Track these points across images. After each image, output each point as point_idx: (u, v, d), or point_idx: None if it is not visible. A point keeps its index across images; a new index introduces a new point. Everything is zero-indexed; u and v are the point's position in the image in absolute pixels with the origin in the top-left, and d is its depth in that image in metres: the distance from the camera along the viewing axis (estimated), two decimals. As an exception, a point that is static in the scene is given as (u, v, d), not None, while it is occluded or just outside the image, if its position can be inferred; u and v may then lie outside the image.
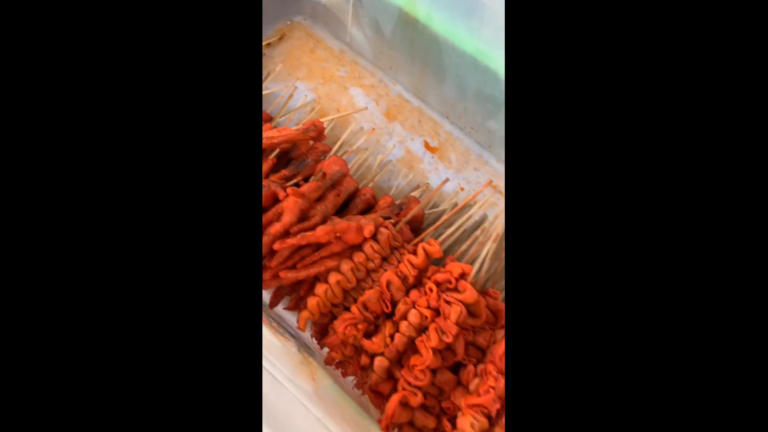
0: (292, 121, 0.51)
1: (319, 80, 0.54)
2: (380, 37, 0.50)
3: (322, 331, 0.37)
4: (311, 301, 0.34)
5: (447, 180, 0.44)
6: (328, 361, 0.34)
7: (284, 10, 0.55)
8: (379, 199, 0.43)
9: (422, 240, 0.38)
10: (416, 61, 0.48)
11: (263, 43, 0.54)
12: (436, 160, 0.51)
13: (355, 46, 0.55)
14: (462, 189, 0.50)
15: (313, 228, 0.37)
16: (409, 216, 0.39)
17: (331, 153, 0.45)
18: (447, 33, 0.42)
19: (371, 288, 0.35)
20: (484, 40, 0.41)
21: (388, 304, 0.33)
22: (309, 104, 0.52)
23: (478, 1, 0.38)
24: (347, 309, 0.36)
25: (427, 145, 0.52)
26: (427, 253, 0.34)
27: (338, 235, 0.35)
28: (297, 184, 0.42)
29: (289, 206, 0.36)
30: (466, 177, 0.50)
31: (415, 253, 0.36)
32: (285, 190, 0.38)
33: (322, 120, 0.45)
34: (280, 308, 0.40)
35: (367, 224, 0.36)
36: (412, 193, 0.47)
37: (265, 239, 0.35)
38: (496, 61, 0.41)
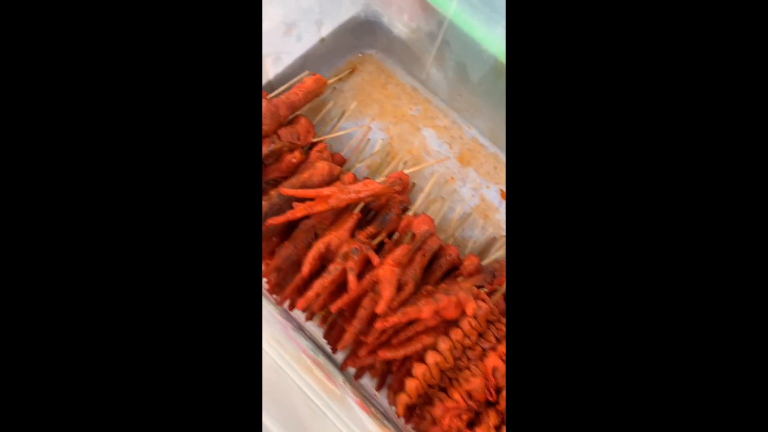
0: (360, 160, 0.48)
1: (390, 119, 0.52)
2: (463, 81, 0.47)
3: (412, 410, 0.35)
4: (410, 384, 0.32)
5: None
6: (424, 447, 0.33)
7: (357, 42, 0.53)
8: (463, 259, 0.41)
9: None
10: (500, 110, 0.46)
11: (335, 77, 0.52)
12: (512, 212, 0.49)
13: (429, 84, 0.52)
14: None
15: (408, 298, 0.35)
16: (504, 287, 0.37)
17: (415, 206, 0.43)
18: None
19: (467, 367, 0.33)
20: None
21: (494, 393, 0.31)
22: (384, 147, 0.49)
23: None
24: (442, 389, 0.34)
25: (503, 194, 0.50)
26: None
27: (438, 311, 0.33)
28: (382, 242, 0.40)
29: (387, 277, 0.34)
30: (545, 232, 0.48)
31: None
32: (376, 255, 0.36)
33: (406, 172, 0.43)
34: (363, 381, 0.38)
35: (468, 301, 0.34)
36: (492, 248, 0.45)
37: (363, 312, 0.33)
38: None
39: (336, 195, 0.38)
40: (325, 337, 0.37)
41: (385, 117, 0.52)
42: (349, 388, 0.32)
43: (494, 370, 0.31)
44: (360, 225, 0.41)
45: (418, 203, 0.43)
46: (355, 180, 0.43)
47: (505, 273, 0.39)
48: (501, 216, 0.49)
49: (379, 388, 0.37)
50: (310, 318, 0.41)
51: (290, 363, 0.23)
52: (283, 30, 0.43)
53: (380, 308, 0.31)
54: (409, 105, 0.53)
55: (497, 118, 0.48)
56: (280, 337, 0.26)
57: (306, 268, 0.34)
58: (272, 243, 0.41)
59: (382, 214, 0.41)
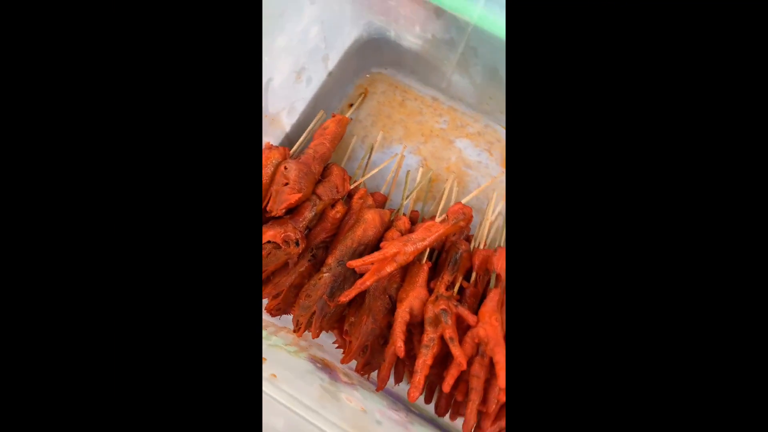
0: (406, 197, 0.45)
1: (419, 138, 0.48)
2: (496, 84, 0.43)
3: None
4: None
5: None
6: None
7: (362, 63, 0.48)
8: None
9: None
10: (544, 107, 0.42)
11: (348, 107, 0.48)
12: (574, 210, 0.46)
13: (451, 91, 0.48)
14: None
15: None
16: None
17: (482, 236, 0.39)
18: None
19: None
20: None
21: None
22: (426, 176, 0.45)
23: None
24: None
25: (558, 193, 0.46)
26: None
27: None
28: (462, 288, 0.37)
29: (494, 337, 0.30)
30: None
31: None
32: (469, 312, 0.32)
33: (463, 202, 0.39)
34: None
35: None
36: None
37: (477, 382, 0.30)
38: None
39: (402, 251, 0.35)
40: (437, 411, 0.34)
41: (412, 137, 0.48)
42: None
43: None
44: (430, 273, 0.37)
45: (485, 232, 0.39)
46: (411, 224, 0.39)
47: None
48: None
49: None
50: (400, 380, 0.38)
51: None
52: (294, 78, 0.39)
53: (503, 381, 0.28)
54: (434, 118, 0.49)
55: (537, 113, 0.44)
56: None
57: (401, 348, 0.31)
58: (340, 310, 0.38)
59: (451, 254, 0.38)
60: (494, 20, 0.36)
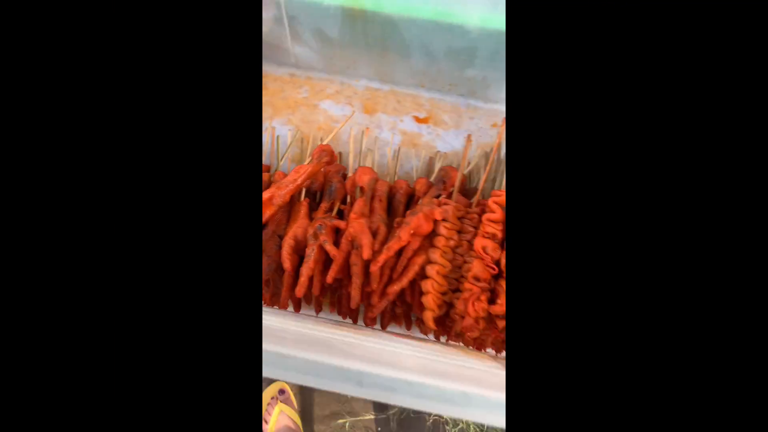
0: (280, 158, 0.50)
1: (286, 111, 0.53)
2: (328, 43, 0.49)
3: (443, 323, 0.38)
4: (427, 299, 0.35)
5: (469, 138, 0.46)
6: (467, 343, 0.35)
7: (218, 63, 0.54)
8: (414, 185, 0.44)
9: (481, 197, 0.40)
10: (373, 50, 0.49)
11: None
12: (432, 128, 0.52)
13: (302, 63, 0.54)
14: (470, 140, 0.51)
15: (385, 239, 0.37)
16: (457, 184, 0.40)
17: (351, 168, 0.45)
18: (401, 10, 0.42)
19: (464, 261, 0.36)
20: (442, 1, 0.42)
21: (494, 266, 0.35)
22: (296, 137, 0.51)
23: (423, -34, 0.39)
24: (454, 291, 0.37)
25: (417, 119, 0.53)
26: (501, 206, 0.35)
27: (413, 231, 0.36)
28: (340, 211, 0.42)
29: (358, 228, 0.36)
30: (468, 128, 0.52)
31: (485, 212, 0.37)
32: (340, 220, 0.38)
33: (324, 142, 0.45)
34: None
35: (432, 209, 0.37)
36: (435, 165, 0.48)
37: (356, 268, 0.35)
38: (459, 15, 0.42)
39: (276, 194, 0.40)
40: (340, 313, 0.39)
41: (280, 112, 0.53)
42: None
43: (484, 248, 0.34)
44: (313, 209, 0.42)
45: (351, 164, 0.45)
46: (285, 175, 0.45)
47: (454, 174, 0.42)
48: (426, 137, 0.52)
49: (409, 327, 0.40)
50: (319, 309, 0.42)
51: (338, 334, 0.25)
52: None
53: (366, 253, 0.34)
54: (295, 90, 0.54)
55: (374, 59, 0.51)
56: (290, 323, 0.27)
57: (287, 263, 0.36)
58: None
59: (326, 189, 0.43)
60: (296, -14, 0.43)
